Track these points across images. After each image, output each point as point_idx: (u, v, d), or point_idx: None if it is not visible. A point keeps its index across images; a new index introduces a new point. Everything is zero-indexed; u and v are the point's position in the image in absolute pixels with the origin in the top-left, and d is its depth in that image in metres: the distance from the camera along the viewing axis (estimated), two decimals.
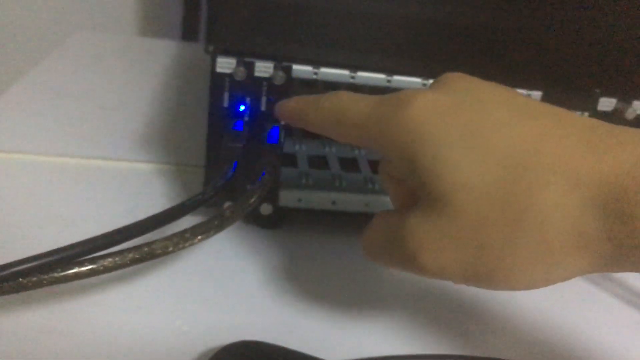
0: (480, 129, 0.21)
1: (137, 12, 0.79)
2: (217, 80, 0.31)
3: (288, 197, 0.33)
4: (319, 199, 0.34)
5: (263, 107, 0.32)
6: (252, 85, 0.31)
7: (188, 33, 0.71)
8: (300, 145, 0.39)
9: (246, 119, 0.32)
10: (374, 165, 0.38)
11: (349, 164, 0.37)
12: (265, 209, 0.33)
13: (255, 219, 0.34)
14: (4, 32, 0.79)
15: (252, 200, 0.28)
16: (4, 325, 0.24)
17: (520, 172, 0.20)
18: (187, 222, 0.27)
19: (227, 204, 0.32)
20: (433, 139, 0.21)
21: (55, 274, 0.21)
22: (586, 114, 0.32)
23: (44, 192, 0.35)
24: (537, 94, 0.32)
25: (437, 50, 0.37)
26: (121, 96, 0.49)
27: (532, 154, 0.20)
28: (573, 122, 0.21)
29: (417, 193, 0.22)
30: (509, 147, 0.20)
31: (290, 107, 0.29)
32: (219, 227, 0.25)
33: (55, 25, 0.77)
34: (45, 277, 0.21)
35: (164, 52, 0.62)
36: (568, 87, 0.32)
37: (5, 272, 0.20)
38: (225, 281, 0.30)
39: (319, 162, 0.37)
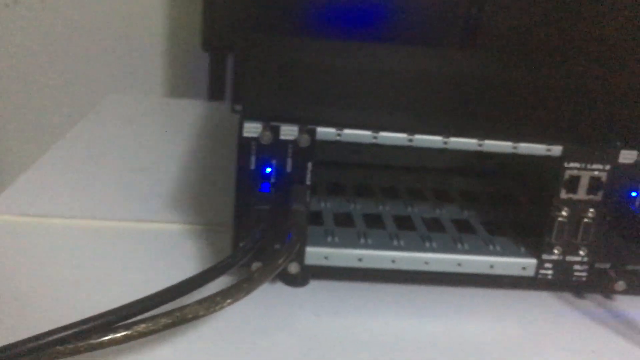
0: None
1: (164, 74, 0.82)
2: (244, 144, 0.32)
3: (314, 256, 0.34)
4: (346, 257, 0.34)
5: (289, 169, 0.33)
6: (277, 147, 0.32)
7: (214, 92, 0.73)
8: (325, 203, 0.40)
9: (272, 180, 0.33)
10: (398, 220, 0.38)
11: (374, 220, 0.38)
12: (292, 267, 0.33)
13: (281, 277, 0.35)
14: (38, 98, 0.82)
15: (280, 261, 0.29)
16: None
17: None
18: (215, 283, 0.28)
19: (255, 265, 0.33)
20: None
21: (92, 341, 0.22)
22: (608, 167, 0.33)
23: (77, 256, 0.36)
24: (557, 149, 0.33)
25: (457, 106, 0.38)
26: (152, 157, 0.51)
27: None
28: None
29: None
30: None
31: None
32: (248, 290, 0.26)
33: (85, 89, 0.80)
34: (82, 344, 0.22)
35: (192, 112, 0.64)
36: (588, 140, 0.33)
37: (43, 341, 0.21)
38: (253, 342, 0.30)
39: (345, 219, 0.38)
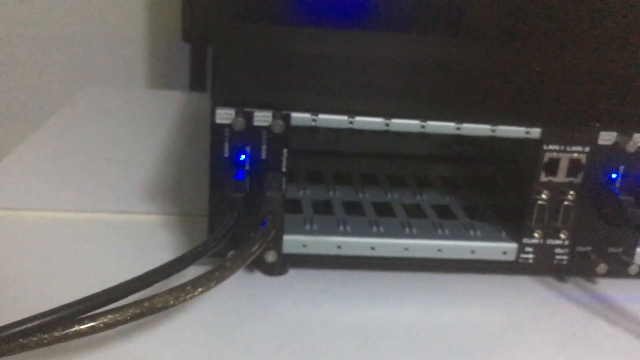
0: None
1: (145, 65, 0.81)
2: (217, 131, 0.31)
3: (292, 244, 0.33)
4: (324, 244, 0.34)
5: (264, 156, 0.32)
6: (251, 134, 0.31)
7: (195, 83, 0.73)
8: (304, 191, 0.39)
9: (247, 168, 0.32)
10: (378, 207, 0.38)
11: (354, 207, 0.38)
12: (269, 256, 0.33)
13: (260, 266, 0.34)
14: (15, 89, 0.81)
15: (253, 249, 0.28)
16: None
17: None
18: (192, 271, 0.27)
19: (231, 253, 0.32)
20: None
21: (56, 333, 0.21)
22: (587, 148, 0.32)
23: (50, 249, 0.35)
24: (535, 131, 0.32)
25: (434, 91, 0.37)
26: (128, 148, 0.50)
27: None
28: None
29: None
30: None
31: None
32: (220, 279, 0.25)
33: (65, 80, 0.79)
34: (46, 336, 0.21)
35: (171, 103, 0.63)
36: (567, 122, 0.32)
37: (5, 334, 0.21)
38: (231, 332, 0.29)
39: (324, 206, 0.37)
